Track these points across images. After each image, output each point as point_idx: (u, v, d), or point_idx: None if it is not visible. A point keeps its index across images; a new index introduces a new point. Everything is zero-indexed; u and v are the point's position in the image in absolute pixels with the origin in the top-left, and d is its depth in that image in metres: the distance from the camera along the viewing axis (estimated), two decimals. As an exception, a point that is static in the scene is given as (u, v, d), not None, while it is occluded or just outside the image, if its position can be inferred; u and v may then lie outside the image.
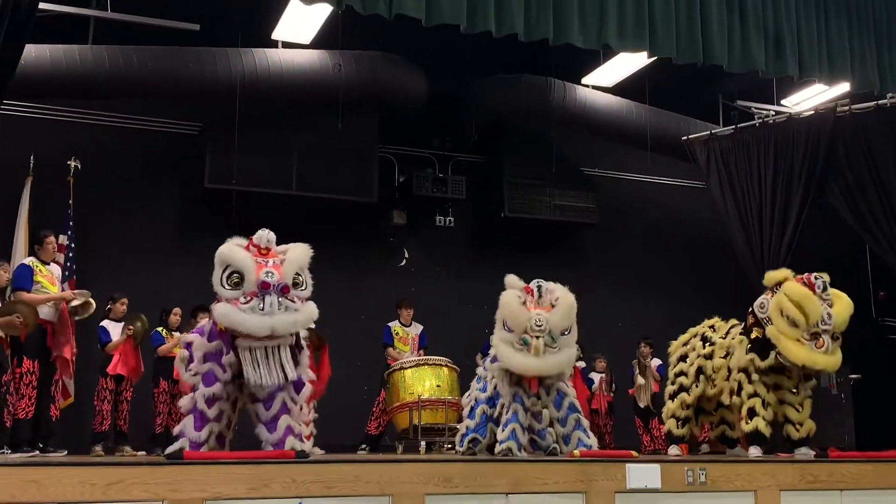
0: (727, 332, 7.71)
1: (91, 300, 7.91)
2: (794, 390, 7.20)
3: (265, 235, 5.65)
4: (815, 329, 6.76)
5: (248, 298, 5.35)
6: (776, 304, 6.92)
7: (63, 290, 7.84)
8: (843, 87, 9.87)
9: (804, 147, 10.48)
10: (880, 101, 9.88)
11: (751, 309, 7.32)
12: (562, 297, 6.45)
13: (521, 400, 6.59)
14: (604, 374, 10.83)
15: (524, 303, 6.45)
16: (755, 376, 7.16)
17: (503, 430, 6.50)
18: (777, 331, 6.89)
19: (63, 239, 9.41)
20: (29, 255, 7.67)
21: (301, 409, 6.09)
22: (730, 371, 7.42)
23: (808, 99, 11.72)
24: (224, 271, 5.47)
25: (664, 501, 5.70)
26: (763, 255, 10.61)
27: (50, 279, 7.50)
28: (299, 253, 5.68)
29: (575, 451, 6.38)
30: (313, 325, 7.83)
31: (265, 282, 5.36)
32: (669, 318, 11.74)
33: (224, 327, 5.45)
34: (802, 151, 10.49)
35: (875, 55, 8.57)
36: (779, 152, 10.67)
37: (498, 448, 6.49)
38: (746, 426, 7.14)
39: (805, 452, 7.06)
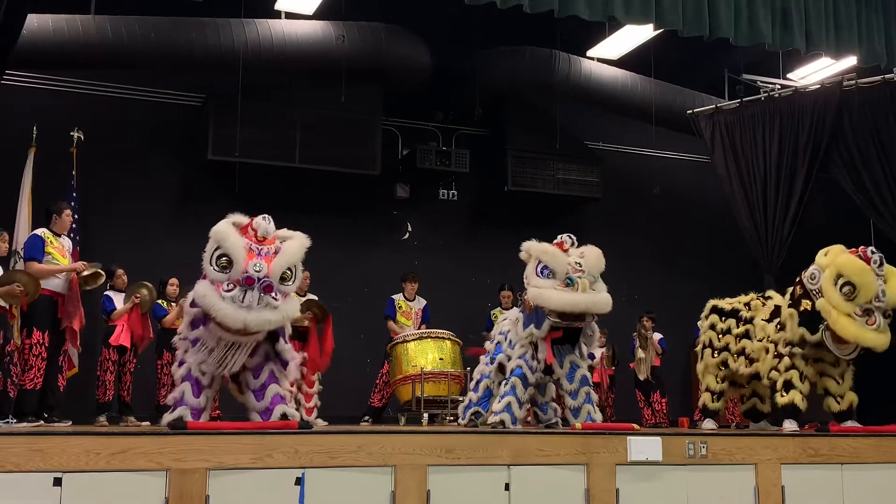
0: (769, 315, 7.51)
1: (101, 271, 7.90)
2: (835, 363, 7.07)
3: (265, 225, 5.57)
4: (868, 305, 6.59)
5: (231, 287, 5.31)
6: (831, 275, 6.66)
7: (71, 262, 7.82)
8: (850, 62, 9.78)
9: (809, 121, 10.42)
10: (887, 76, 9.81)
11: (798, 279, 7.10)
12: (588, 248, 6.79)
13: (520, 373, 6.62)
14: (605, 348, 10.85)
15: None
16: (797, 349, 7.01)
17: (499, 402, 6.56)
18: (829, 304, 6.66)
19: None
20: (40, 226, 7.61)
21: (297, 377, 6.15)
22: (776, 344, 7.22)
23: (814, 73, 11.59)
24: (215, 251, 5.43)
25: (665, 474, 5.75)
26: (767, 229, 10.59)
27: (61, 251, 7.45)
28: (295, 246, 5.58)
29: (577, 424, 6.42)
30: (316, 298, 7.94)
31: (250, 277, 5.30)
32: (672, 292, 11.80)
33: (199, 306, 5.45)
34: (808, 126, 10.43)
35: (882, 29, 8.50)
36: (784, 126, 10.62)
37: (492, 419, 6.54)
38: (782, 399, 7.03)
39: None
